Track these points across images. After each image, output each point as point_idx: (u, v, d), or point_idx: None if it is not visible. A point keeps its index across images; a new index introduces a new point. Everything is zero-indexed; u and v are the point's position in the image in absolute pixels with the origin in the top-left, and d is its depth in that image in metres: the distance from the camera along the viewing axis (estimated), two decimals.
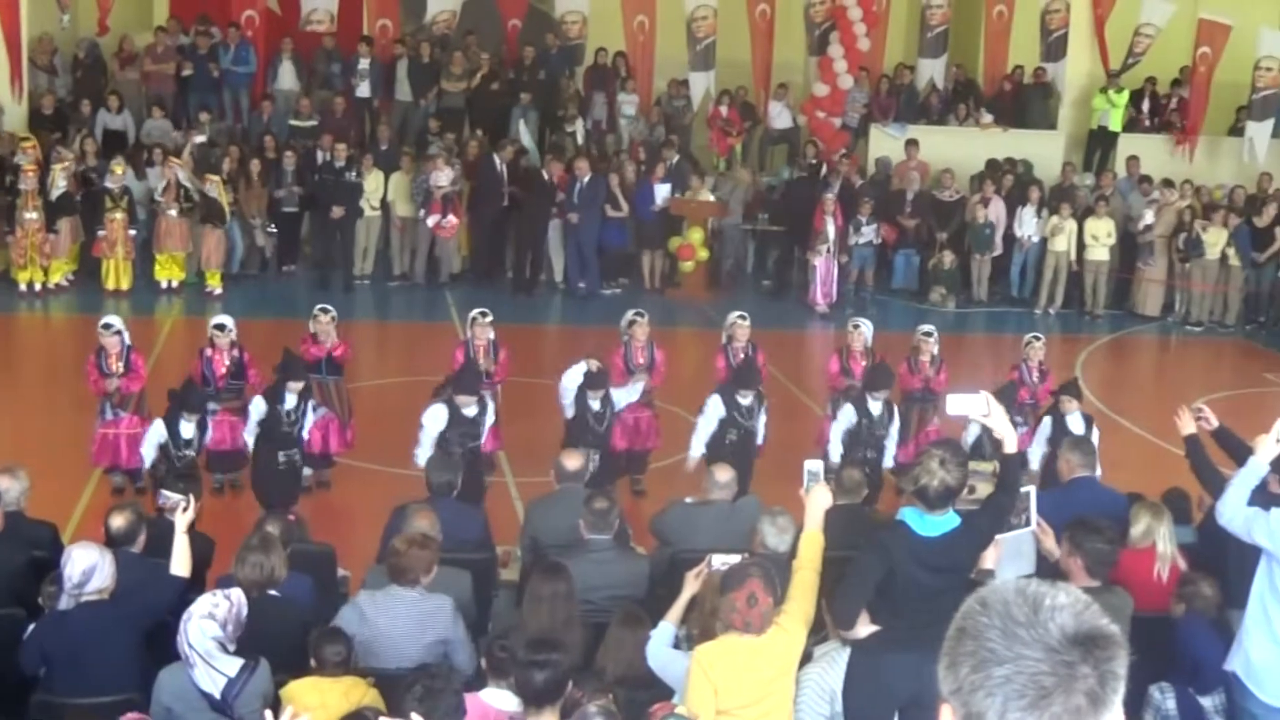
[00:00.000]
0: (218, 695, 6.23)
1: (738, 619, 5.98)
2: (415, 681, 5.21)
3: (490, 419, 11.45)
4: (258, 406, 11.14)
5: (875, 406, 11.52)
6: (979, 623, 2.11)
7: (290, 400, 11.12)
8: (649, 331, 12.41)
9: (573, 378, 11.37)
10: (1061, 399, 11.64)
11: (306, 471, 12.08)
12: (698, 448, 11.35)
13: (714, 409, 11.39)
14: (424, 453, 10.65)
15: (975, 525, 6.44)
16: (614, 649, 6.74)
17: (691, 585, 6.85)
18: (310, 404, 11.40)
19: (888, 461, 11.73)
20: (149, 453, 11.05)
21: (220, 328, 11.99)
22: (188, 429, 11.01)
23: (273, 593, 7.14)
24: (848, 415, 11.54)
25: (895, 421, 11.73)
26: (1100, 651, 2.05)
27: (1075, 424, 11.31)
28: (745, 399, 11.46)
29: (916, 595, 6.10)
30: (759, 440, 11.71)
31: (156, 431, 11.00)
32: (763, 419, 11.69)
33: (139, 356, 12.10)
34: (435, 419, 10.89)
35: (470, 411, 11.04)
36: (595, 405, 11.41)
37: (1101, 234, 20.81)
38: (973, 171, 22.21)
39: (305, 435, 11.36)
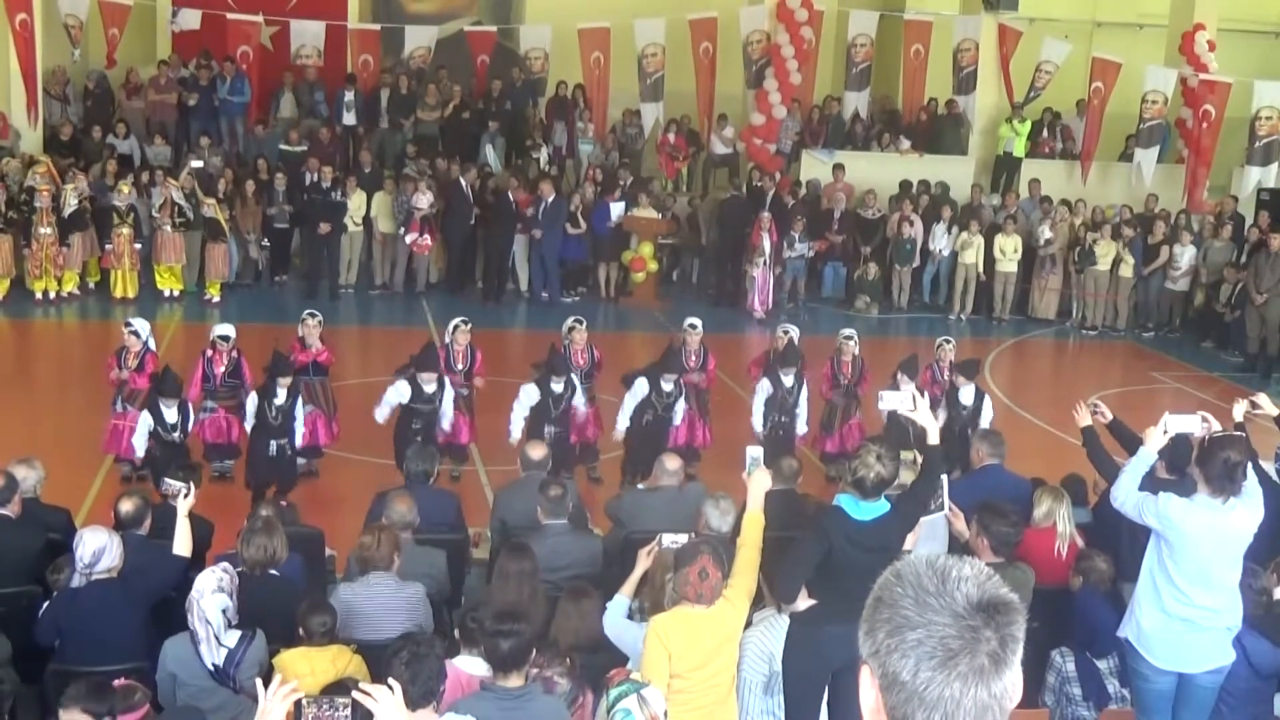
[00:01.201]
0: (221, 666, 6.20)
1: (690, 591, 5.99)
2: (401, 648, 5.15)
3: (450, 399, 11.52)
4: (252, 401, 11.12)
5: (787, 379, 12.00)
6: (894, 592, 2.12)
7: (280, 395, 11.07)
8: (587, 336, 12.44)
9: (518, 417, 11.36)
10: (955, 375, 12.20)
11: (299, 461, 12.05)
12: (623, 421, 11.73)
13: (639, 388, 11.73)
14: (382, 413, 11.31)
15: (902, 510, 6.53)
16: (562, 620, 6.72)
17: (643, 562, 6.84)
18: (299, 398, 11.35)
19: (800, 428, 12.21)
20: (140, 441, 10.98)
21: (224, 338, 11.91)
22: (170, 414, 10.94)
23: (273, 572, 7.12)
24: (765, 388, 12.03)
25: (804, 390, 12.19)
26: (1001, 617, 2.07)
27: (966, 395, 11.99)
28: (667, 384, 11.78)
29: (851, 573, 6.13)
30: (675, 423, 12.00)
31: (144, 421, 10.94)
32: (680, 408, 11.98)
33: (153, 359, 11.99)
34: (398, 390, 11.25)
35: (430, 388, 11.24)
36: (558, 389, 11.46)
37: (1009, 249, 20.97)
38: (893, 192, 22.27)
39: (300, 426, 11.30)
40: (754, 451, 7.15)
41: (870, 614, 2.14)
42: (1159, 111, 23.24)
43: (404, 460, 10.88)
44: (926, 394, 11.95)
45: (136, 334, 11.89)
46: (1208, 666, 6.74)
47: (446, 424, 11.62)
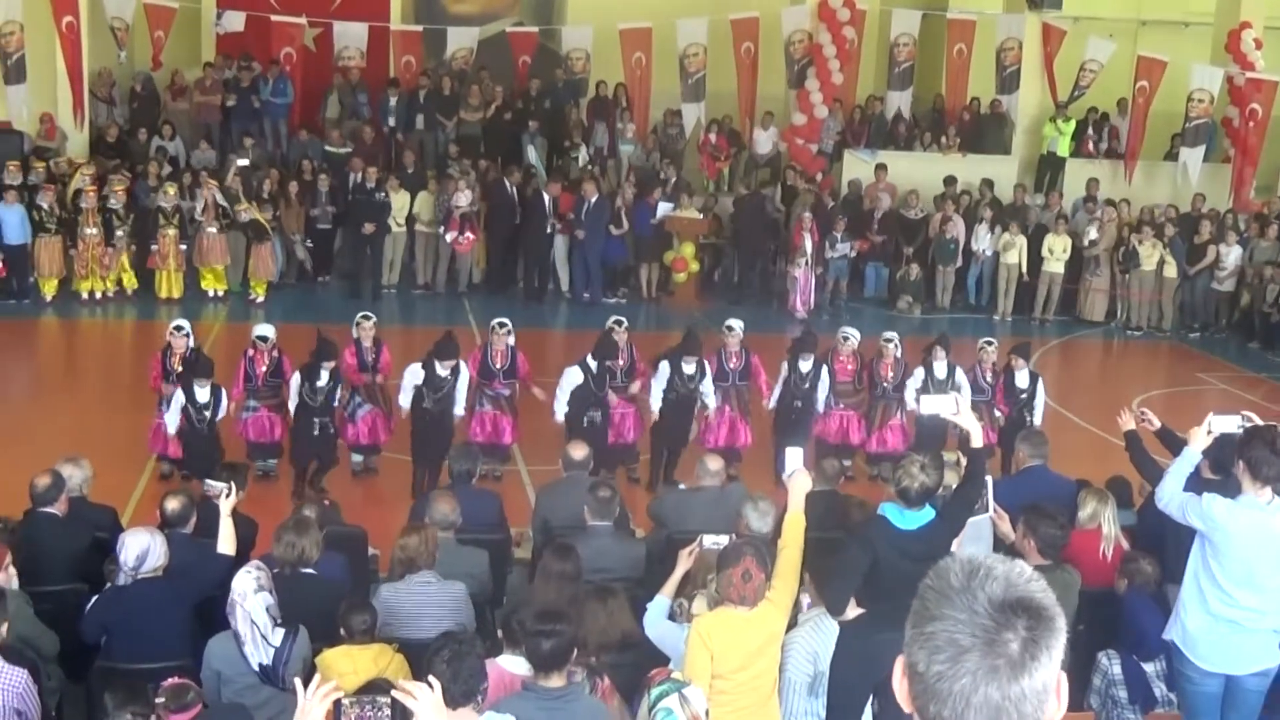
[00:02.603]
0: (268, 665, 6.23)
1: (734, 592, 5.97)
2: (442, 646, 5.12)
3: (464, 386, 11.77)
4: (295, 382, 11.56)
5: (805, 365, 12.41)
6: (925, 585, 2.17)
7: (323, 376, 11.45)
8: (627, 336, 12.49)
9: (562, 399, 11.74)
10: (1011, 357, 12.57)
11: (357, 458, 12.42)
12: (656, 400, 12.21)
13: (664, 371, 12.17)
14: (405, 399, 11.72)
15: (948, 516, 6.49)
16: (589, 620, 6.70)
17: (684, 563, 6.84)
18: (340, 381, 11.71)
19: (820, 407, 12.63)
20: (173, 419, 11.33)
21: (263, 339, 12.02)
22: (202, 394, 11.29)
23: (309, 570, 7.13)
24: (781, 372, 12.52)
25: (824, 376, 12.53)
26: (1028, 620, 2.06)
27: (1022, 379, 12.46)
28: (689, 366, 12.10)
29: (898, 582, 6.09)
30: (711, 403, 12.34)
31: (178, 399, 11.29)
32: (709, 387, 12.29)
33: None
34: (413, 374, 11.64)
35: (444, 372, 11.54)
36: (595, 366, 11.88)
37: (1058, 249, 20.83)
38: (936, 192, 22.15)
39: (335, 403, 11.72)
40: (794, 453, 7.12)
41: (912, 607, 2.19)
42: (1205, 110, 23.07)
43: (417, 450, 11.61)
44: (968, 387, 12.12)
45: (181, 331, 12.01)
46: (1254, 668, 6.69)
47: (459, 409, 11.76)
